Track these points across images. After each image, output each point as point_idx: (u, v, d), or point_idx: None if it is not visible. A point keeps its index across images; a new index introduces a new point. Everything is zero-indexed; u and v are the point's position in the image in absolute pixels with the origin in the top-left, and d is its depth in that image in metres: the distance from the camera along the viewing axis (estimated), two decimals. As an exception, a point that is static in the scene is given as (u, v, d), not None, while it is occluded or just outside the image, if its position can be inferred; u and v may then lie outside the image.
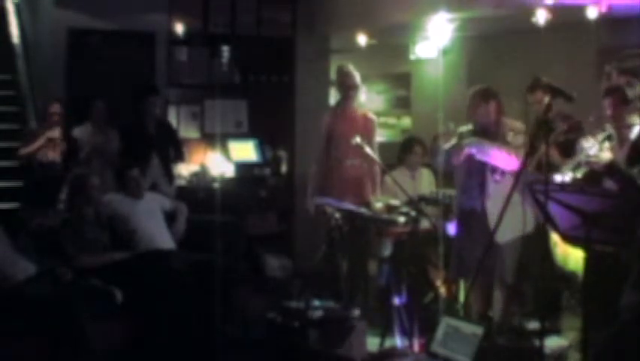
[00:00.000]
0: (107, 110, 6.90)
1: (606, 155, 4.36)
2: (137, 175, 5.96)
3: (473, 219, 5.22)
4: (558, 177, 4.53)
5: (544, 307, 4.98)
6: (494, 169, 5.15)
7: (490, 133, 5.23)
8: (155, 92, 6.82)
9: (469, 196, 5.28)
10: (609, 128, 4.55)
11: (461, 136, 5.24)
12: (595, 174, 4.51)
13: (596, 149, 4.39)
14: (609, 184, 4.44)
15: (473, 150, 5.16)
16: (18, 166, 7.14)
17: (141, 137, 6.70)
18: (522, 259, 5.32)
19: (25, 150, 6.75)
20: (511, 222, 4.77)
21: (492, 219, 5.00)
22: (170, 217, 6.05)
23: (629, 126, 4.63)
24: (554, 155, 5.56)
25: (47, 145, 6.74)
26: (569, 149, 5.74)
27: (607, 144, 4.45)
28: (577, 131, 5.82)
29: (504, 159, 5.04)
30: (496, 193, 5.01)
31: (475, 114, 5.29)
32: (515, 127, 5.24)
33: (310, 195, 6.24)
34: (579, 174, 4.54)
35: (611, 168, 4.34)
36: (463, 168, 5.31)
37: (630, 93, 4.70)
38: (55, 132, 6.72)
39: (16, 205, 6.95)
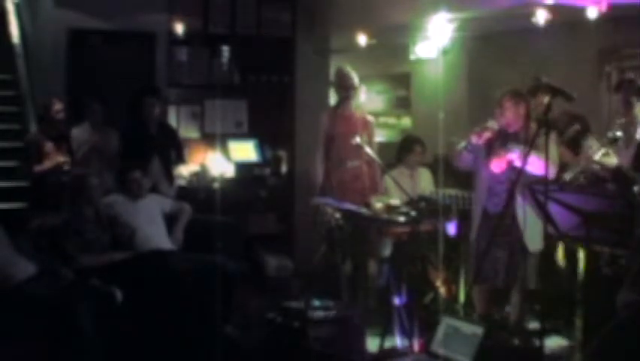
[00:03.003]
0: (103, 110, 6.88)
1: (612, 160, 4.33)
2: (139, 176, 5.96)
3: (499, 226, 5.14)
4: (567, 175, 4.49)
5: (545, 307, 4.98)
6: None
7: (518, 137, 5.18)
8: (152, 94, 6.82)
9: (496, 201, 5.18)
10: (617, 129, 4.50)
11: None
12: (599, 178, 4.49)
13: (602, 153, 4.36)
14: (611, 186, 4.43)
15: (514, 157, 5.09)
16: (19, 167, 7.11)
17: (142, 138, 6.70)
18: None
19: (38, 169, 6.62)
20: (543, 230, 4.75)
21: (522, 225, 5.00)
22: (171, 219, 6.04)
23: (637, 123, 4.59)
24: (566, 154, 5.51)
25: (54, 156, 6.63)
26: (579, 148, 5.72)
27: (612, 147, 4.42)
28: (586, 130, 5.80)
29: (541, 167, 4.93)
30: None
31: (504, 117, 5.20)
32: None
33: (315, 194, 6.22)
34: (581, 179, 4.52)
35: (617, 174, 4.32)
36: (489, 171, 5.23)
37: None
38: (60, 157, 6.58)
39: (16, 205, 6.94)
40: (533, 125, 5.18)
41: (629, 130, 4.56)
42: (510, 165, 5.10)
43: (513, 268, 5.18)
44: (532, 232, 4.89)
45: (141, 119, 6.72)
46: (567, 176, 4.51)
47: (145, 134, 6.71)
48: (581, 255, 4.43)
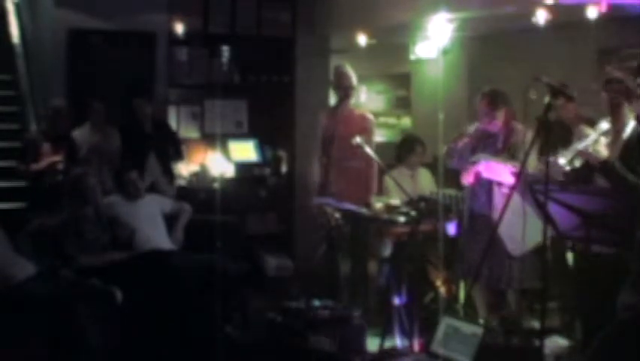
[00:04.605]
0: (105, 110, 6.90)
1: (603, 150, 4.32)
2: (135, 177, 5.96)
3: (482, 224, 5.19)
4: (561, 160, 4.45)
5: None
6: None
7: (497, 142, 5.21)
8: (141, 94, 6.86)
9: (478, 202, 5.25)
10: (606, 123, 4.48)
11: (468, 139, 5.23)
12: (588, 169, 4.46)
13: (594, 141, 4.34)
14: (601, 182, 4.42)
15: (481, 168, 5.12)
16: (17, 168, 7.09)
17: (138, 137, 6.73)
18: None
19: (34, 168, 6.61)
20: (526, 234, 4.74)
21: (501, 230, 4.95)
22: (171, 219, 6.04)
23: (624, 123, 4.55)
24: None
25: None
26: None
27: (604, 139, 4.40)
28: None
29: (510, 176, 4.91)
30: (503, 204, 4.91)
31: (482, 121, 5.25)
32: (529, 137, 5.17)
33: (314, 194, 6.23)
34: (577, 164, 4.49)
35: (605, 166, 4.31)
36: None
37: (631, 84, 4.63)
38: (56, 157, 6.58)
39: (15, 205, 6.94)
40: (520, 127, 5.21)
41: (616, 127, 4.52)
42: (478, 177, 5.13)
43: (496, 267, 5.17)
44: (518, 234, 4.85)
45: (136, 118, 6.77)
46: (561, 160, 4.46)
47: (141, 133, 6.74)
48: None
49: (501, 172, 4.99)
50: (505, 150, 5.20)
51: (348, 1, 7.91)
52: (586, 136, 4.41)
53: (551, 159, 4.38)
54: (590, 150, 4.32)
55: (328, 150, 6.15)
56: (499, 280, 5.21)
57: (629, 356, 3.28)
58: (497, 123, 5.24)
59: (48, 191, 6.37)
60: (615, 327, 3.37)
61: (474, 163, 5.16)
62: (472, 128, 5.30)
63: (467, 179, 5.23)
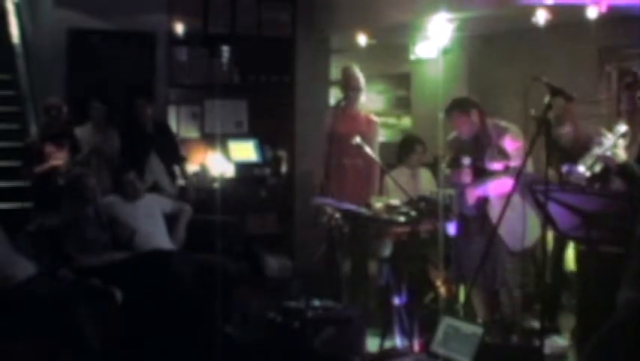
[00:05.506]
0: (106, 110, 6.90)
1: (622, 153, 4.32)
2: (133, 178, 5.95)
3: (474, 226, 5.20)
4: (581, 167, 4.45)
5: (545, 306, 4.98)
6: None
7: (477, 143, 5.23)
8: (141, 95, 6.87)
9: (468, 205, 5.25)
10: (623, 125, 4.48)
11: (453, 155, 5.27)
12: (607, 172, 4.47)
13: (613, 144, 4.33)
14: (617, 184, 4.41)
15: (479, 192, 5.16)
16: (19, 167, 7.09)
17: (139, 137, 6.73)
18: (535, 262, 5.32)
19: (38, 170, 6.58)
20: (527, 229, 4.75)
21: (501, 226, 4.98)
22: (171, 219, 6.04)
23: None
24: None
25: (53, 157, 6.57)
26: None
27: (622, 142, 4.39)
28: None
29: (503, 186, 4.96)
30: (499, 203, 4.87)
31: (457, 128, 5.29)
32: (501, 128, 5.21)
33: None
34: (597, 168, 4.49)
35: (624, 169, 4.30)
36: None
37: None
38: (60, 158, 6.53)
39: (16, 205, 6.94)
40: (503, 123, 5.23)
41: (634, 130, 4.52)
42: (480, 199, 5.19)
43: (491, 268, 5.17)
44: (519, 230, 4.87)
45: (136, 119, 6.77)
46: (581, 167, 4.46)
47: (141, 133, 6.74)
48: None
49: (494, 187, 5.07)
50: (494, 145, 5.20)
51: (348, 1, 7.91)
52: (605, 141, 4.39)
53: (573, 167, 4.38)
54: (609, 153, 4.31)
55: (333, 150, 6.14)
56: (494, 281, 5.21)
57: (628, 354, 3.28)
58: (472, 126, 5.25)
59: (50, 191, 6.37)
60: (614, 325, 3.36)
61: (474, 187, 5.18)
62: (450, 137, 5.35)
63: (471, 198, 5.24)
